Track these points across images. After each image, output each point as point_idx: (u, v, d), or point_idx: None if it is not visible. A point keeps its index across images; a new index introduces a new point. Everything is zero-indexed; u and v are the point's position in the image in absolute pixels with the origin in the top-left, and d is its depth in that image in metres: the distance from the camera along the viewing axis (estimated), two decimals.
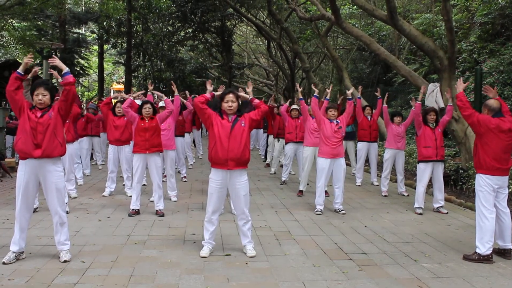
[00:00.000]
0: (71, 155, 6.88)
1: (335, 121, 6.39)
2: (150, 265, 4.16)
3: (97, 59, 25.24)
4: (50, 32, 20.81)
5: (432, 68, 11.34)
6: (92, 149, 10.78)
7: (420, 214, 6.43)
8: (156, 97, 8.04)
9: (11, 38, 15.30)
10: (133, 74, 21.62)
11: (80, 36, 23.92)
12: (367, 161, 9.40)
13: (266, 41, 21.06)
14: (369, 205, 7.02)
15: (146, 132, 6.04)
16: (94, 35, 21.77)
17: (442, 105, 8.08)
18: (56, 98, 4.68)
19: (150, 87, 7.08)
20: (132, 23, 19.57)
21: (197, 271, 4.02)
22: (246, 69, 25.40)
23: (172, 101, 6.90)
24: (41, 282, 3.72)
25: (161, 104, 7.31)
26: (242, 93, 4.63)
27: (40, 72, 4.86)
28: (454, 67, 8.68)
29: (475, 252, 4.44)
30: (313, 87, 7.43)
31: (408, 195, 7.73)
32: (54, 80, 14.49)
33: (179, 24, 20.05)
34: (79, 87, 28.82)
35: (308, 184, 7.92)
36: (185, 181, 8.90)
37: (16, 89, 4.14)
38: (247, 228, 4.53)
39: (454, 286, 3.81)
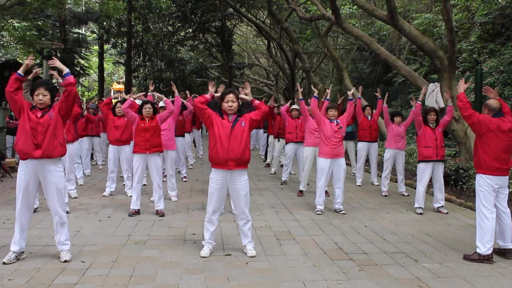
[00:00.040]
0: (71, 155, 6.88)
1: (335, 121, 6.40)
2: (151, 265, 4.16)
3: (97, 59, 25.23)
4: (50, 32, 20.78)
5: (432, 68, 11.34)
6: (92, 149, 10.79)
7: (421, 214, 6.43)
8: (156, 98, 8.02)
9: (11, 38, 15.29)
10: (133, 74, 21.62)
11: (80, 36, 23.89)
12: (367, 161, 9.41)
13: (266, 41, 21.05)
14: (369, 205, 7.02)
15: (146, 132, 6.04)
16: (94, 35, 21.77)
17: (442, 105, 8.08)
18: (56, 98, 4.68)
19: (151, 88, 7.07)
20: (132, 23, 19.55)
21: (198, 271, 4.02)
22: (246, 69, 25.37)
23: (173, 101, 6.89)
24: (41, 282, 3.72)
25: (161, 104, 7.31)
26: (242, 95, 4.62)
27: (40, 73, 4.86)
28: (454, 67, 8.68)
29: (476, 252, 4.44)
30: (312, 87, 7.43)
31: (408, 195, 7.73)
32: (54, 81, 14.48)
33: (179, 24, 20.04)
34: (79, 87, 28.79)
35: (308, 184, 7.92)
36: (185, 181, 8.91)
37: (15, 90, 4.14)
38: (247, 228, 4.53)
39: (455, 286, 3.81)
